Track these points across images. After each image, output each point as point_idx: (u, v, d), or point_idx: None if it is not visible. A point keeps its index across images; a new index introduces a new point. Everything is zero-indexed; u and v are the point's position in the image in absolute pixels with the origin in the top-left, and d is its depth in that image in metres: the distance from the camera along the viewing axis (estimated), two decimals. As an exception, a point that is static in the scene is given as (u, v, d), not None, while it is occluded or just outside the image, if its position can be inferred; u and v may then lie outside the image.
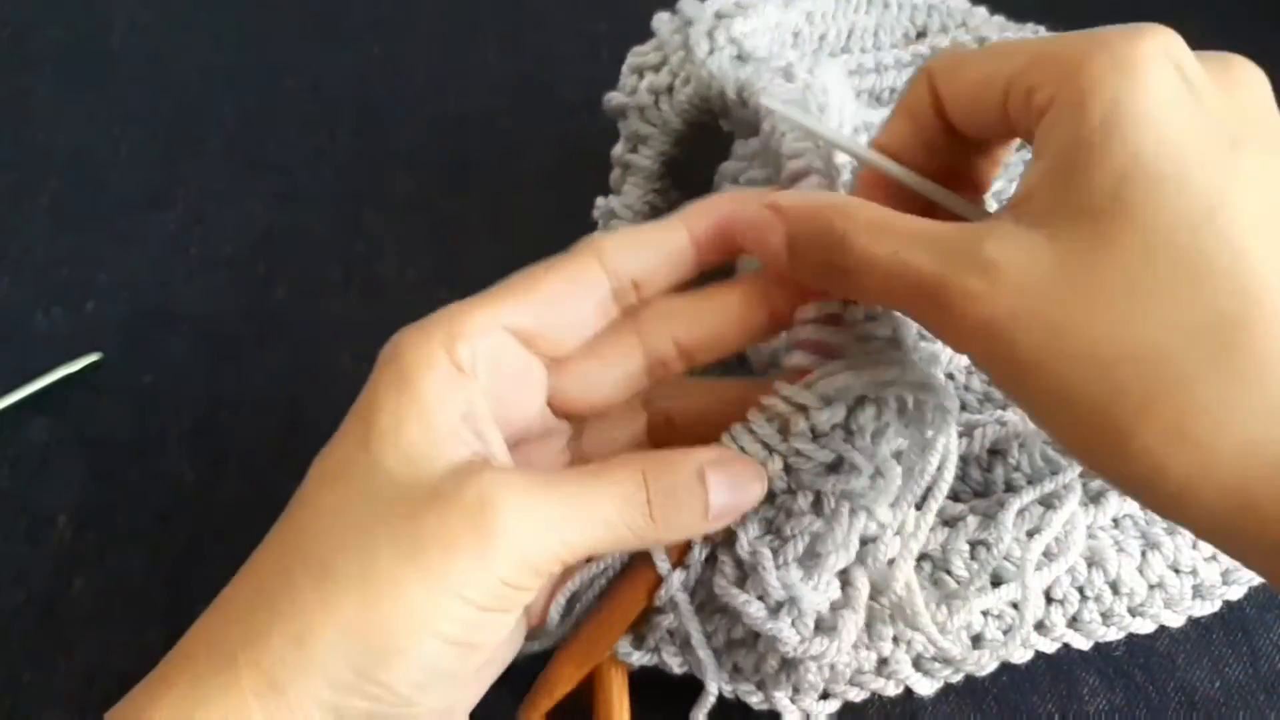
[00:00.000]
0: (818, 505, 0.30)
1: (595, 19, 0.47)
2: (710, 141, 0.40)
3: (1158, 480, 0.22)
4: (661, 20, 0.42)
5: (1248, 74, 0.25)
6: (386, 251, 0.50)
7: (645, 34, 0.45)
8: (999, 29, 0.48)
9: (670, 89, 0.40)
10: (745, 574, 0.30)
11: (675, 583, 0.31)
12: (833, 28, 0.45)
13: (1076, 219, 0.23)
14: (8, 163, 0.54)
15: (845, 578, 0.32)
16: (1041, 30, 0.49)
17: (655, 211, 0.42)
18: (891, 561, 0.31)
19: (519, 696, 0.36)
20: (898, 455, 0.31)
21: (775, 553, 0.30)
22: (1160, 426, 0.22)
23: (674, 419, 0.33)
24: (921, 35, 0.47)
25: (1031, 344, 0.23)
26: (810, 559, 0.30)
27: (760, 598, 0.30)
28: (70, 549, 0.40)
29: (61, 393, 0.45)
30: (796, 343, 0.31)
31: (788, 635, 0.30)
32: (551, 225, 0.44)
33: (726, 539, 0.31)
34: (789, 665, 0.32)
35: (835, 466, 0.30)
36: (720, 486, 0.29)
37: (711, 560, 0.31)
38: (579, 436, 0.32)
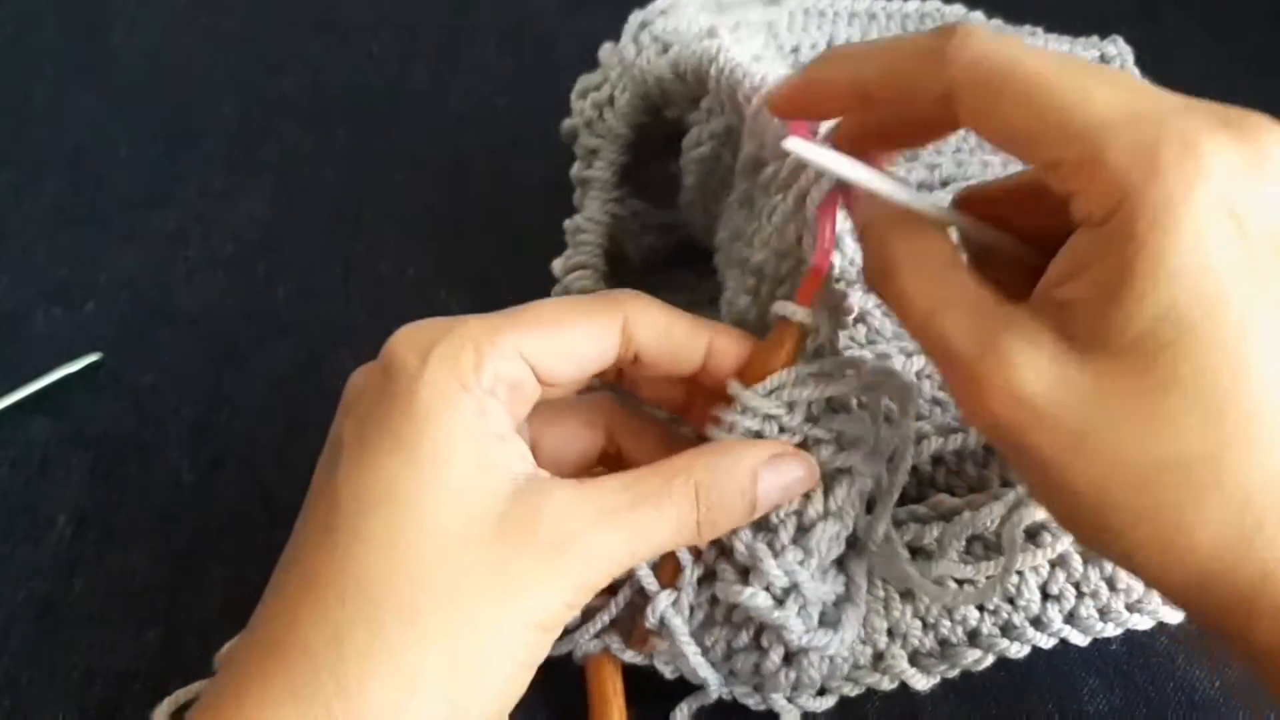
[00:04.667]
0: None
1: (595, 18, 0.47)
2: (659, 144, 0.42)
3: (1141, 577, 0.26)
4: (605, 49, 0.45)
5: None
6: (386, 251, 0.50)
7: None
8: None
9: (611, 100, 0.42)
10: (747, 572, 0.31)
11: (663, 603, 0.31)
12: (805, 40, 0.48)
13: (1107, 346, 0.23)
14: (8, 163, 0.54)
15: (846, 573, 0.32)
16: (1038, 33, 0.49)
17: (617, 220, 0.44)
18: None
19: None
20: (870, 416, 0.31)
21: (770, 545, 0.31)
22: (1145, 541, 0.24)
23: (624, 454, 0.33)
24: None
25: (1052, 446, 0.24)
26: (802, 536, 0.31)
27: (767, 589, 0.31)
28: (70, 549, 0.40)
29: (61, 393, 0.45)
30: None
31: (794, 624, 0.30)
32: (550, 225, 0.45)
33: (721, 553, 0.31)
34: (791, 661, 0.32)
35: (801, 445, 0.31)
36: (771, 486, 0.29)
37: (709, 576, 0.32)
38: (535, 447, 0.32)
